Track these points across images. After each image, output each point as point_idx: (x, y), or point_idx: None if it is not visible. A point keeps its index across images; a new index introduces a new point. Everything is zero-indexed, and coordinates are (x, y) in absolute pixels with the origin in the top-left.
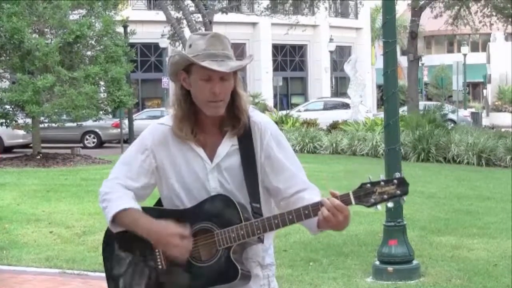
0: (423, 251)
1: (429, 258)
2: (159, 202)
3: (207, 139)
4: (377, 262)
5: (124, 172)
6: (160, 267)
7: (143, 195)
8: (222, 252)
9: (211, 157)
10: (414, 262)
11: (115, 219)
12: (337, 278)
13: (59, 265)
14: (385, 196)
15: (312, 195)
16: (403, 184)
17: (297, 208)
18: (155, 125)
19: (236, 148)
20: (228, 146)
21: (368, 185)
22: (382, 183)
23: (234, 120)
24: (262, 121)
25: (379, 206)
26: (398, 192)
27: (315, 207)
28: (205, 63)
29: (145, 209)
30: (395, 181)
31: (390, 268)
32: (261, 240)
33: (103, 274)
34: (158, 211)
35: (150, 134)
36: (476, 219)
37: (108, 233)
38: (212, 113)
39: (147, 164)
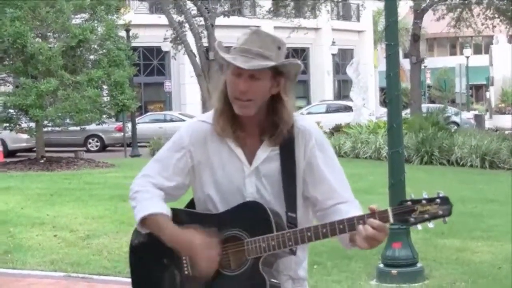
0: (427, 254)
1: (433, 260)
2: (191, 203)
3: (246, 139)
4: (381, 265)
5: (157, 170)
6: (186, 273)
7: (176, 195)
8: (251, 262)
9: (250, 160)
10: (418, 265)
11: (142, 221)
12: (341, 281)
13: (64, 268)
14: (427, 216)
15: (350, 208)
16: (446, 203)
17: (332, 222)
18: (195, 122)
19: (276, 153)
20: (268, 149)
21: (409, 202)
22: (424, 201)
23: (273, 127)
24: (307, 127)
25: (419, 226)
26: (441, 212)
27: (351, 223)
28: (228, 56)
29: (176, 211)
30: (438, 200)
31: (394, 271)
32: (293, 252)
33: (108, 278)
34: (188, 214)
35: (189, 131)
36: (480, 222)
37: (135, 232)
38: (239, 112)
39: (183, 163)
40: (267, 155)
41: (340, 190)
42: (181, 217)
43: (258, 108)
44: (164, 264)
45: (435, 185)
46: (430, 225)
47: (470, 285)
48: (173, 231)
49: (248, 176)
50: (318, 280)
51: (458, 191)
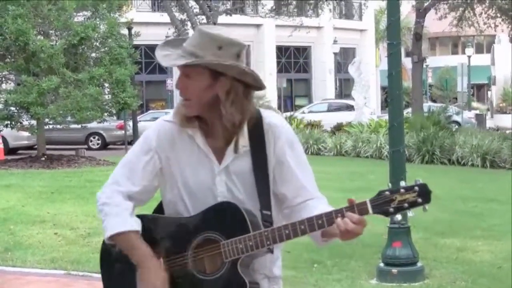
0: (428, 253)
1: (434, 260)
2: (159, 207)
3: (216, 141)
4: (382, 264)
5: (126, 176)
6: None
7: (145, 199)
8: (228, 264)
9: (219, 159)
10: (419, 264)
11: (111, 237)
12: (341, 280)
13: (64, 266)
14: (406, 205)
15: (318, 203)
16: (425, 191)
17: (310, 217)
18: (160, 122)
19: (247, 150)
20: (238, 147)
21: (387, 192)
22: (402, 190)
23: (228, 132)
24: (277, 124)
25: (398, 216)
26: (420, 200)
27: (330, 217)
28: (158, 52)
29: (145, 218)
30: (416, 188)
31: (394, 270)
32: (270, 251)
33: None
34: (159, 220)
35: (155, 133)
36: (481, 221)
37: (105, 244)
38: (183, 111)
39: (151, 166)
40: (237, 153)
41: (309, 187)
42: (152, 223)
43: (202, 109)
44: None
45: (436, 184)
46: (410, 213)
47: (470, 285)
48: (140, 253)
49: (218, 175)
50: (319, 279)
51: (459, 190)
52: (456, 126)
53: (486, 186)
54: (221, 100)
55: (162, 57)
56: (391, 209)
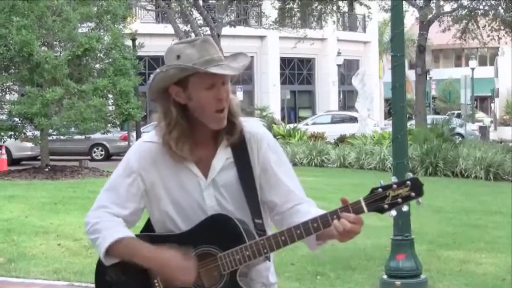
0: (431, 265)
1: (437, 272)
2: (147, 226)
3: (199, 155)
4: (385, 276)
5: (111, 200)
6: None
7: (132, 221)
8: (227, 276)
9: (205, 172)
10: (422, 276)
11: (109, 250)
12: None
13: (67, 277)
14: (399, 200)
15: (309, 207)
16: (417, 185)
17: (305, 221)
18: (140, 143)
19: (231, 162)
20: (222, 159)
21: (380, 189)
22: (395, 186)
23: (229, 125)
24: (257, 131)
25: (393, 212)
26: (413, 194)
27: (325, 219)
28: (214, 70)
29: (137, 237)
30: (408, 182)
31: (397, 282)
32: (268, 259)
33: None
34: (151, 237)
35: (136, 154)
36: (484, 234)
37: (99, 267)
38: (217, 126)
39: (135, 188)
40: (222, 165)
41: (296, 191)
42: (145, 242)
43: None
44: None
45: (440, 197)
46: (404, 208)
47: None
48: (146, 250)
49: (205, 189)
50: None
51: (462, 202)
52: (460, 139)
53: (489, 199)
54: (230, 97)
55: (223, 70)
56: (385, 205)
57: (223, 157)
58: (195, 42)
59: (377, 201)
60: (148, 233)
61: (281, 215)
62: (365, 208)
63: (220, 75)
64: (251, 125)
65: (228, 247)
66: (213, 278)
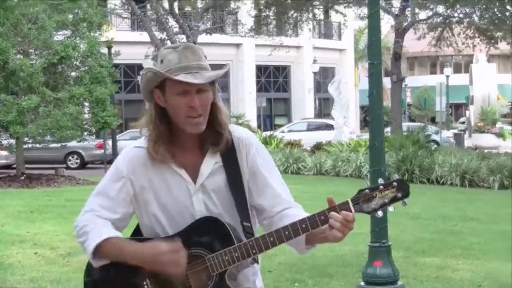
0: (408, 272)
1: (414, 278)
2: (136, 232)
3: (188, 160)
4: (362, 283)
5: (100, 204)
6: None
7: (121, 226)
8: (216, 278)
9: (194, 177)
10: (399, 283)
11: (97, 251)
12: None
13: (44, 286)
14: (386, 200)
15: (298, 211)
16: (403, 186)
17: (293, 222)
18: (130, 148)
19: (220, 166)
20: (211, 164)
21: (367, 190)
22: (381, 187)
23: (215, 135)
24: (246, 136)
25: (380, 212)
26: (399, 194)
27: (313, 220)
28: (179, 77)
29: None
30: (395, 183)
31: None
32: (256, 261)
33: None
34: (140, 241)
35: (125, 159)
36: (461, 240)
37: (89, 271)
38: (193, 130)
39: (124, 193)
40: (211, 170)
41: (284, 195)
42: None
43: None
44: None
45: (416, 203)
46: (391, 208)
47: None
48: (133, 246)
49: (194, 194)
50: None
51: (439, 209)
52: (435, 146)
53: (465, 205)
54: (219, 106)
55: (192, 78)
56: (373, 206)
57: (211, 161)
58: (178, 48)
59: (364, 202)
60: (136, 237)
61: (270, 219)
62: (352, 208)
63: (192, 82)
64: (239, 131)
65: (216, 249)
66: (202, 281)
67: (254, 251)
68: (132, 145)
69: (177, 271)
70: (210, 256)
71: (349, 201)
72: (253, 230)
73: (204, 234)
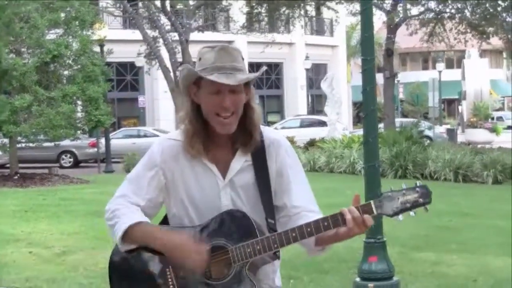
0: (403, 268)
1: (409, 274)
2: (163, 222)
3: (219, 156)
4: (358, 279)
5: (132, 190)
6: (171, 287)
7: (151, 214)
8: (237, 268)
9: (223, 173)
10: (394, 278)
11: (126, 235)
12: None
13: (39, 285)
14: (408, 205)
15: (315, 216)
16: (426, 192)
17: (316, 220)
18: (164, 139)
19: (249, 164)
20: (241, 161)
21: (389, 194)
22: (404, 191)
23: (246, 136)
24: (276, 138)
25: (400, 216)
26: (421, 200)
27: (335, 219)
28: (212, 77)
29: None
30: (418, 189)
31: (370, 285)
32: (277, 257)
33: None
34: (167, 229)
35: (160, 149)
36: (455, 235)
37: (114, 255)
38: (221, 130)
39: (156, 181)
40: (240, 167)
41: (309, 198)
42: None
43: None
44: (148, 281)
45: None
46: (412, 213)
47: None
48: (162, 233)
49: (223, 189)
50: None
51: (433, 204)
52: (428, 141)
53: (460, 200)
54: (253, 108)
55: (225, 78)
56: (395, 210)
57: (241, 159)
58: (215, 48)
59: (386, 205)
60: (164, 225)
61: (288, 217)
62: (374, 210)
63: (224, 83)
64: (271, 133)
65: (240, 240)
66: (221, 270)
67: (275, 245)
68: (167, 136)
69: (195, 263)
70: (232, 247)
71: (372, 202)
72: (276, 227)
73: (229, 226)
